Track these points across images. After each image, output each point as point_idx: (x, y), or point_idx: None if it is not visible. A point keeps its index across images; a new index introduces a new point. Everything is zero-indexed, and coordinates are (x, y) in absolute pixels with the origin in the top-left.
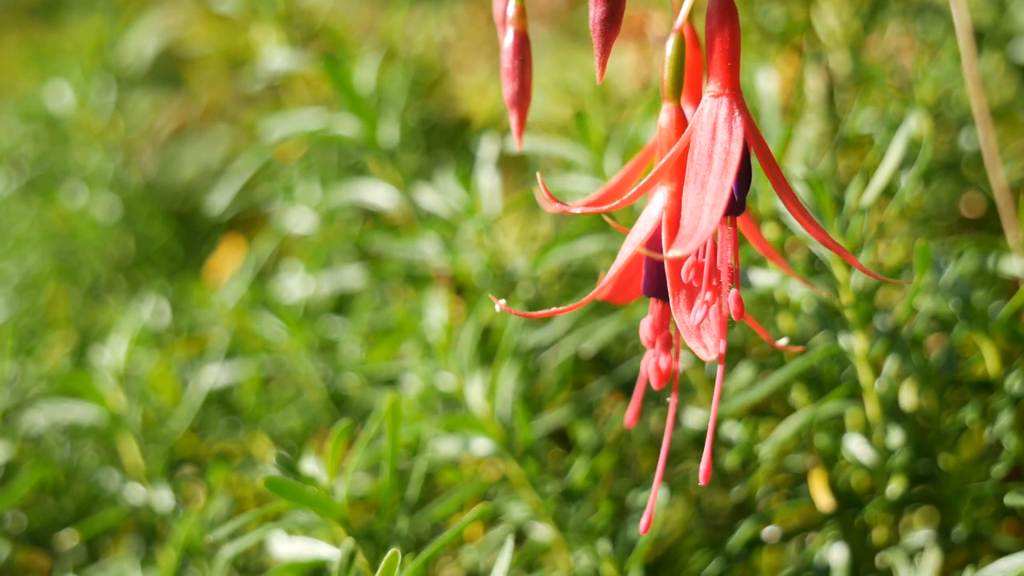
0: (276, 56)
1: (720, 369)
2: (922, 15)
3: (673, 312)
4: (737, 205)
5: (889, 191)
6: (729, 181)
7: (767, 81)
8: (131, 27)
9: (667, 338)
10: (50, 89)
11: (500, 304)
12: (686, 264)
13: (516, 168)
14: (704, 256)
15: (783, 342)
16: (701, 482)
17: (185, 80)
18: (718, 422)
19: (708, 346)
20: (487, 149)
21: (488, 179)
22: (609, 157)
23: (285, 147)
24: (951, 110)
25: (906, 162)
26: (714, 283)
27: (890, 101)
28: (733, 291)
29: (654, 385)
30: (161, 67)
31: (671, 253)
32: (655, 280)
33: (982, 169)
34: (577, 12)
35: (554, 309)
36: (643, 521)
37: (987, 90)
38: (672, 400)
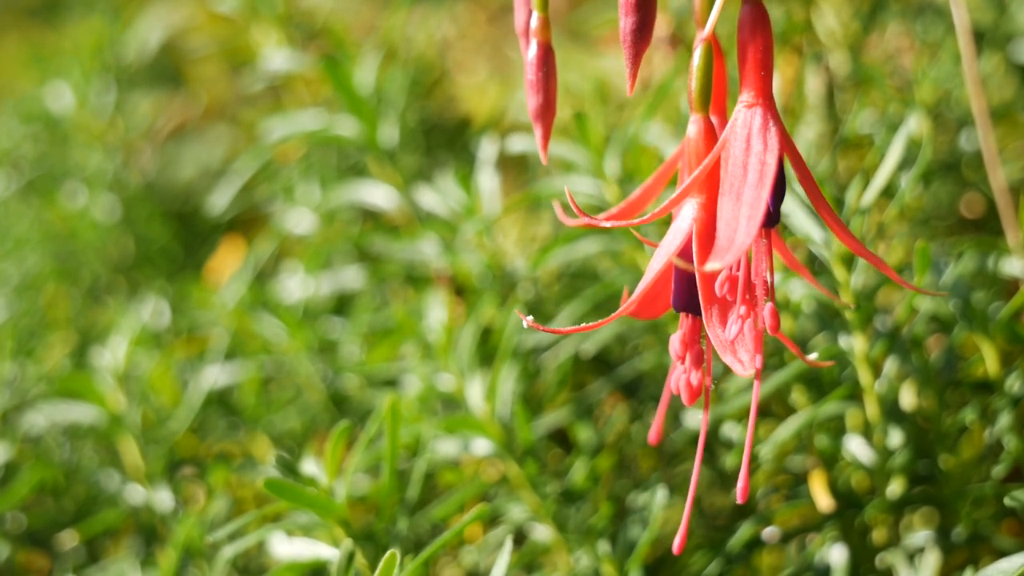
0: (276, 56)
1: (756, 385)
2: (922, 15)
3: (706, 327)
4: (773, 217)
5: (889, 192)
6: (766, 192)
7: None
8: (131, 26)
9: (698, 353)
10: (50, 90)
11: (528, 320)
12: (720, 278)
13: (516, 169)
14: (739, 270)
15: (813, 357)
16: (739, 500)
17: (185, 80)
18: (718, 423)
19: (744, 361)
20: (487, 150)
21: (488, 180)
22: (609, 158)
23: (285, 148)
24: (951, 110)
25: (906, 163)
26: (748, 297)
27: (890, 101)
28: (768, 305)
29: (685, 401)
30: (161, 67)
31: (708, 267)
32: (686, 294)
33: (982, 170)
34: (577, 13)
35: (582, 326)
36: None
37: (987, 90)
38: (704, 417)
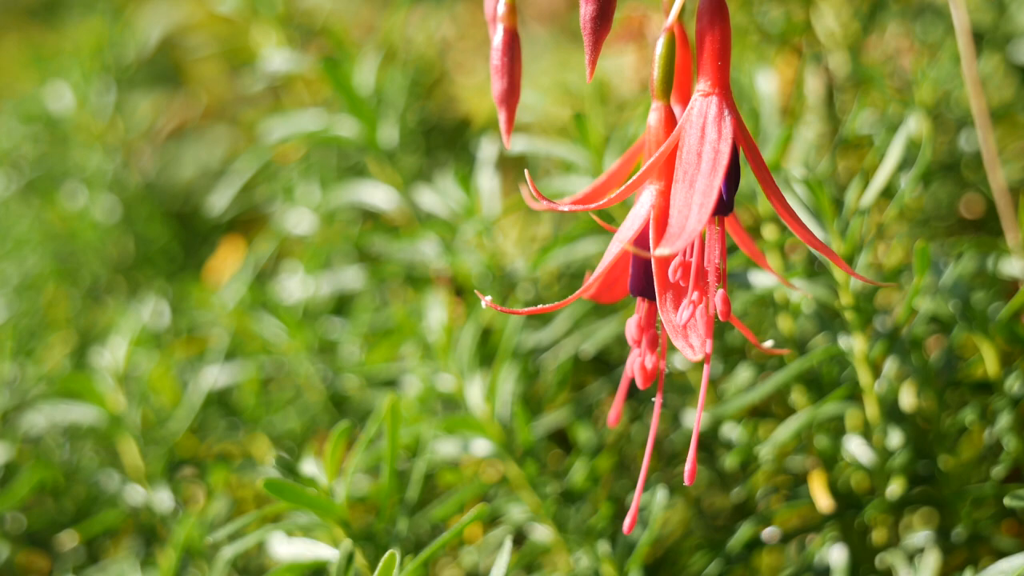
0: (276, 57)
1: (706, 369)
2: (921, 16)
3: (660, 311)
4: (725, 205)
5: (888, 192)
6: (718, 180)
7: (766, 82)
8: (131, 25)
9: (653, 337)
10: (50, 90)
11: (486, 301)
12: (673, 263)
13: (516, 169)
14: (691, 256)
15: (769, 344)
16: (686, 482)
17: (185, 81)
18: (718, 422)
19: (694, 346)
20: (487, 150)
21: (488, 180)
22: (608, 158)
23: (285, 148)
24: (950, 111)
25: (905, 163)
26: (701, 283)
27: (889, 102)
28: (720, 291)
29: (639, 384)
30: (161, 68)
31: (658, 252)
32: (642, 279)
33: (981, 170)
34: (577, 13)
35: (539, 307)
36: (626, 521)
37: (986, 91)
38: (657, 400)
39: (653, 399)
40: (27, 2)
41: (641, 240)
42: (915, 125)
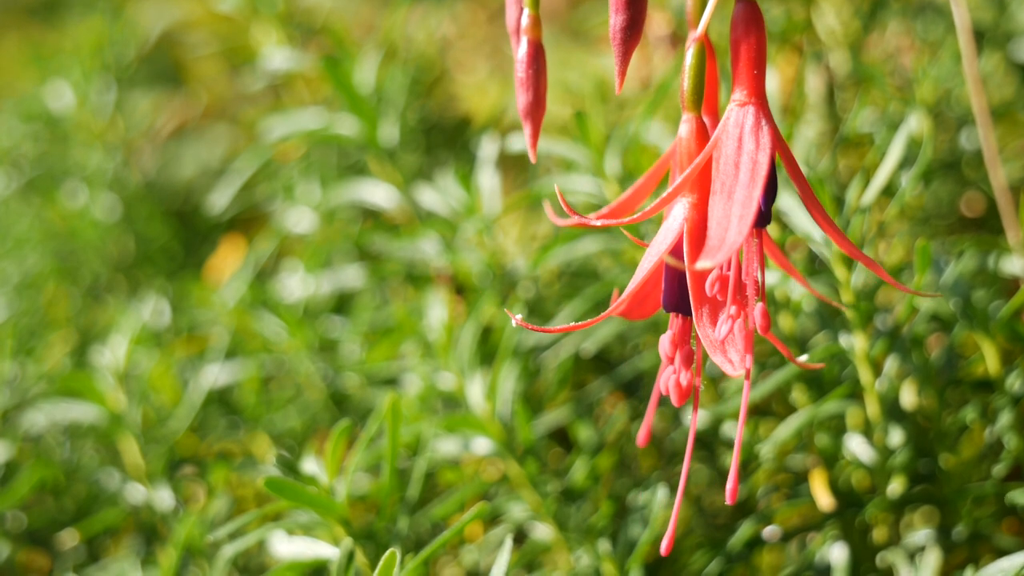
0: (276, 55)
1: (747, 385)
2: (922, 14)
3: (696, 326)
4: (764, 216)
5: (889, 190)
6: (757, 191)
7: (767, 80)
8: (131, 22)
9: (688, 353)
10: (50, 89)
11: (516, 319)
12: (711, 277)
13: (516, 168)
14: (729, 269)
15: (804, 359)
16: (728, 501)
17: (185, 79)
18: (719, 422)
19: (734, 361)
20: (487, 149)
21: (488, 179)
22: (609, 156)
23: (285, 147)
24: (951, 109)
25: (906, 161)
26: (739, 297)
27: (890, 100)
28: (759, 305)
29: (674, 402)
30: (161, 66)
31: (699, 265)
32: (676, 294)
33: (982, 168)
34: (577, 12)
35: (572, 325)
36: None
37: (987, 89)
38: (693, 418)
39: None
40: (27, 1)
41: (674, 254)
42: (916, 123)
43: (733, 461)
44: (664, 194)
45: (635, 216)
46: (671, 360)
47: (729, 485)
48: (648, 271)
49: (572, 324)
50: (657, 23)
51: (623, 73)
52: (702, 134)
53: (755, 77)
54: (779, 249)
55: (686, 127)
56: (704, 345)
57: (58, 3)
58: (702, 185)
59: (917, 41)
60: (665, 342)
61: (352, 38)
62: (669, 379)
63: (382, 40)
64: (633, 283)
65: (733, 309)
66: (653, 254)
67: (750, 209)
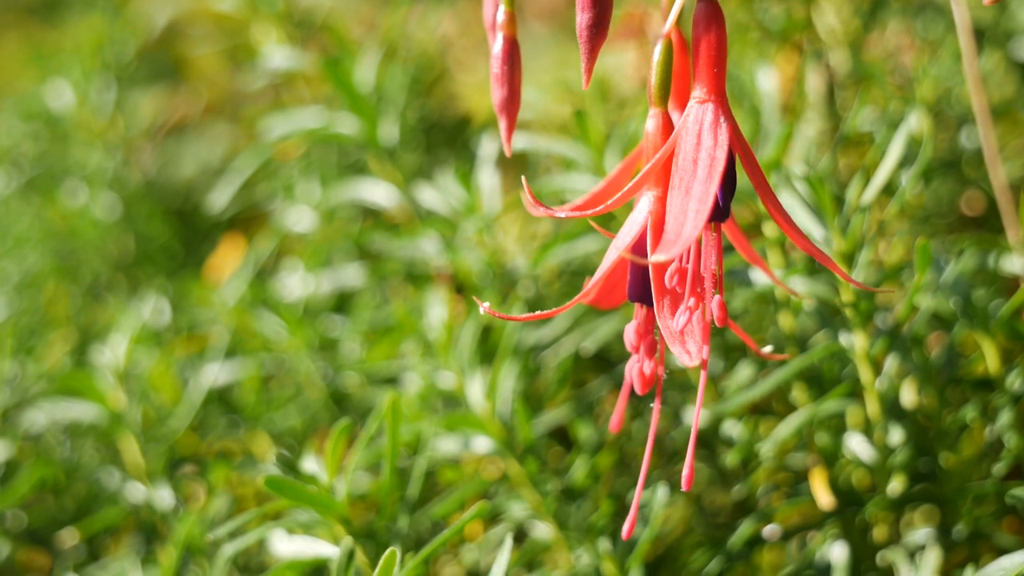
0: (276, 54)
1: (703, 375)
2: (922, 13)
3: (657, 317)
4: (721, 211)
5: (889, 189)
6: (714, 187)
7: (767, 79)
8: (131, 20)
9: (651, 343)
10: (50, 88)
11: (484, 307)
12: (670, 270)
13: (516, 167)
14: (688, 262)
15: (768, 349)
16: (684, 488)
17: (185, 78)
18: (719, 420)
19: (691, 352)
20: (487, 147)
21: (488, 178)
22: (609, 155)
23: (285, 145)
24: (951, 108)
25: (906, 160)
26: (698, 289)
27: (890, 99)
28: (716, 297)
29: (638, 390)
30: (161, 65)
31: (655, 258)
32: (639, 285)
33: (982, 167)
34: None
35: (539, 313)
36: (626, 526)
37: (987, 88)
38: (656, 405)
39: (652, 404)
40: (27, 0)
41: (639, 246)
42: (916, 122)
43: (689, 448)
44: (627, 187)
45: (600, 208)
46: (635, 350)
47: (685, 471)
48: (613, 262)
49: (540, 313)
50: (657, 22)
51: (590, 69)
52: (667, 128)
53: (715, 75)
54: (745, 238)
55: (652, 122)
56: (664, 335)
57: (58, 2)
58: (666, 179)
59: (917, 40)
60: (630, 331)
61: (352, 37)
62: (633, 368)
63: (382, 39)
64: (599, 273)
65: (692, 301)
66: (618, 245)
67: (706, 204)
